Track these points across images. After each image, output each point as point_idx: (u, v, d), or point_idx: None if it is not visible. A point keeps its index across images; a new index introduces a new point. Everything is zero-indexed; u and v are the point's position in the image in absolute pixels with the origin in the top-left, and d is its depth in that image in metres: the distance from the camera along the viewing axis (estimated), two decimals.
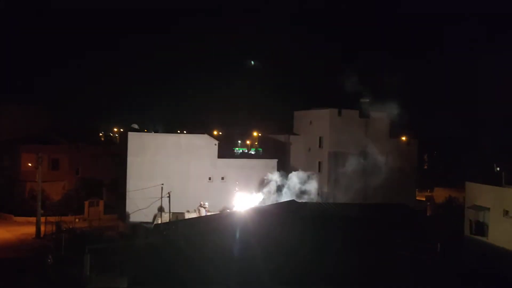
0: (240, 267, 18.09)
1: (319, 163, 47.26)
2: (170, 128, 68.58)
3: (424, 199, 55.90)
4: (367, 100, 48.05)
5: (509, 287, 17.70)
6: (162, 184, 36.73)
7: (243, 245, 20.17)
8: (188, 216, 37.22)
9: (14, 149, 49.51)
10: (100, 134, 77.04)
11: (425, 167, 73.20)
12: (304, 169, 48.00)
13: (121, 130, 71.42)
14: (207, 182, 42.63)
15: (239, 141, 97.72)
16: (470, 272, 18.22)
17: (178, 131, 66.10)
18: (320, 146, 47.30)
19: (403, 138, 52.88)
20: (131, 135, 41.84)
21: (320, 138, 47.39)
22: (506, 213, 30.69)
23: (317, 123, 48.06)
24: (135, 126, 45.37)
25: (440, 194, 52.97)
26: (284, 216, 23.57)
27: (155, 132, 49.58)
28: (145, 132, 51.57)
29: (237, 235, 22.30)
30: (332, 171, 46.08)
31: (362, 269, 15.57)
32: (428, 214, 45.71)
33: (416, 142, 51.40)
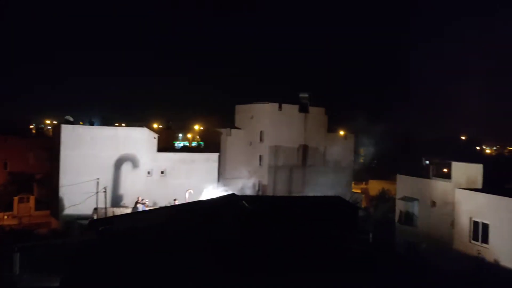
0: (180, 263, 17.90)
1: (260, 156, 47.79)
2: (109, 120, 66.33)
3: (359, 191, 58.20)
4: (306, 95, 49.15)
5: (434, 273, 18.97)
6: (98, 178, 35.60)
7: (182, 239, 19.96)
8: (126, 211, 36.28)
9: None
10: (31, 126, 73.04)
11: (361, 160, 76.17)
12: (245, 163, 48.39)
13: (54, 122, 68.22)
14: (146, 176, 41.82)
15: (180, 135, 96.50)
16: (399, 260, 19.29)
17: (117, 124, 64.15)
18: (261, 140, 47.81)
19: (341, 133, 54.72)
20: (65, 128, 40.04)
21: (261, 132, 47.89)
22: (433, 204, 32.76)
23: (258, 118, 48.50)
24: (70, 118, 43.39)
25: (375, 186, 55.42)
26: (223, 209, 23.59)
27: (91, 124, 47.74)
28: (81, 124, 49.54)
29: (176, 229, 22.05)
30: (272, 164, 46.77)
31: (297, 260, 16.00)
32: (362, 206, 47.66)
33: (353, 137, 53.31)
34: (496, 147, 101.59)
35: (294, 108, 48.35)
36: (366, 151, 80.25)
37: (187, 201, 34.88)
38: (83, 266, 20.32)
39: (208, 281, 16.10)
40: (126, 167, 40.82)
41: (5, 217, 40.87)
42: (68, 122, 42.77)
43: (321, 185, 44.55)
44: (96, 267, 19.39)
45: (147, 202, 36.63)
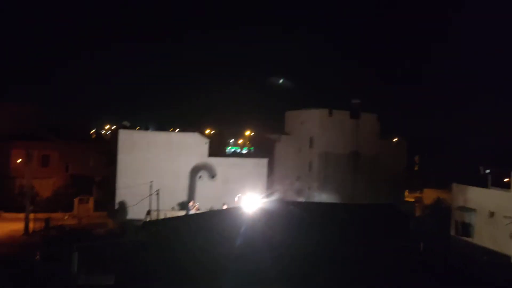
0: (231, 266, 18.21)
1: (310, 163, 47.51)
2: (162, 126, 68.51)
3: (413, 200, 56.35)
4: (358, 101, 48.40)
5: (488, 286, 18.09)
6: (152, 181, 36.80)
7: (233, 243, 20.29)
8: (177, 214, 37.31)
9: (4, 146, 49.31)
10: (92, 131, 76.77)
11: (416, 168, 73.69)
12: (294, 169, 48.31)
13: (113, 127, 71.32)
14: (197, 180, 42.72)
15: (232, 140, 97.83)
16: (452, 272, 18.56)
17: (171, 129, 66.20)
18: (310, 146, 47.55)
19: (394, 139, 53.30)
20: (122, 133, 41.78)
21: (310, 138, 47.64)
22: (491, 214, 31.21)
23: (308, 123, 48.29)
24: (126, 123, 45.46)
25: (429, 195, 53.34)
26: (272, 215, 23.75)
27: (146, 129, 49.58)
28: (137, 129, 51.55)
29: (227, 233, 22.41)
30: (322, 171, 46.36)
31: (345, 268, 15.83)
32: (416, 215, 46.14)
33: (406, 144, 51.81)
34: None
35: (345, 114, 47.75)
36: (422, 158, 77.59)
37: (236, 205, 35.32)
38: (136, 266, 21.13)
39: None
40: (179, 171, 41.79)
41: (66, 217, 42.95)
42: (125, 127, 44.60)
43: (372, 193, 43.65)
44: (148, 267, 20.10)
45: (197, 205, 37.45)
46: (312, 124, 47.75)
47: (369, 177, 46.91)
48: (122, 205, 39.58)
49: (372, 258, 16.64)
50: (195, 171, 42.60)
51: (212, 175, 42.44)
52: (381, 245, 17.22)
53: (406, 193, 54.70)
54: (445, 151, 66.00)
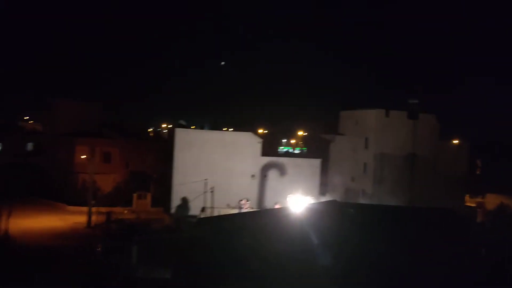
0: (284, 262, 18.27)
1: (364, 164, 46.62)
2: (217, 125, 69.70)
3: (475, 205, 53.81)
4: (416, 101, 46.92)
5: None
6: (206, 179, 37.54)
7: (286, 241, 20.31)
8: (231, 211, 37.81)
9: (69, 142, 52.08)
10: (150, 129, 79.47)
11: (478, 172, 70.23)
12: (349, 170, 47.60)
13: (170, 126, 73.47)
14: (250, 179, 43.10)
15: (284, 140, 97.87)
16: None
17: (224, 129, 67.29)
18: (365, 147, 46.65)
19: (454, 141, 51.14)
20: (178, 131, 42.93)
21: (366, 139, 46.73)
22: None
23: (363, 124, 47.43)
24: (183, 122, 46.70)
25: (492, 201, 50.76)
26: (326, 215, 23.51)
27: (201, 128, 50.63)
28: (192, 128, 52.82)
29: (280, 231, 22.48)
30: (378, 172, 45.34)
31: (400, 273, 15.44)
32: (478, 221, 44.04)
33: (467, 146, 49.59)
34: None
35: (402, 114, 46.43)
36: (485, 162, 73.78)
37: (288, 205, 35.30)
38: (191, 260, 21.62)
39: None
40: (232, 170, 42.31)
41: (125, 211, 44.77)
42: (181, 126, 45.83)
43: (430, 196, 42.13)
44: (202, 262, 20.53)
45: (248, 203, 37.80)
46: (368, 125, 46.85)
47: (427, 179, 45.35)
48: (180, 201, 40.69)
49: (430, 264, 16.09)
50: (265, 169, 42.97)
51: (282, 174, 42.63)
52: (440, 251, 16.60)
53: (467, 197, 52.32)
54: (510, 155, 62.41)
